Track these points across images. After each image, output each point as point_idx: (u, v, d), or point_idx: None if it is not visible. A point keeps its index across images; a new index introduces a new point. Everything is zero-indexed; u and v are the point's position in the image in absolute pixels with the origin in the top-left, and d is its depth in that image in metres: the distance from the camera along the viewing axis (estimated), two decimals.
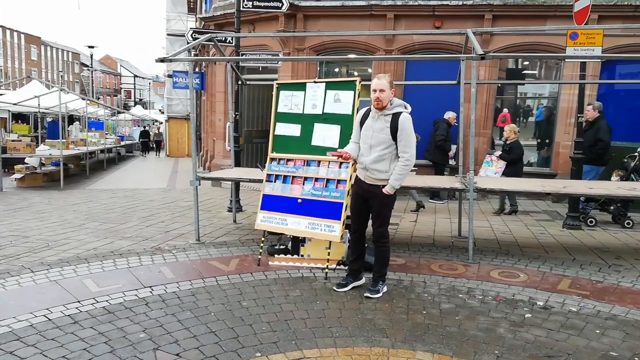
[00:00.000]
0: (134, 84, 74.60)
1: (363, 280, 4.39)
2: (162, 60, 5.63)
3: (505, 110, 10.76)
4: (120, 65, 78.12)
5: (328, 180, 5.00)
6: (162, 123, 33.94)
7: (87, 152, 14.75)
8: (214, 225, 6.99)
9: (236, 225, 7.05)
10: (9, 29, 49.55)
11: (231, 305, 3.89)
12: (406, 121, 4.03)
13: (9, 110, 18.68)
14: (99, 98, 50.69)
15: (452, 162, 9.63)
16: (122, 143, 22.95)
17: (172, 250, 5.50)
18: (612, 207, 7.58)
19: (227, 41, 8.69)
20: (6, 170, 11.98)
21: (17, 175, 11.61)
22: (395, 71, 10.49)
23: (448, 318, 3.73)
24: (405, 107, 4.15)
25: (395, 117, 4.03)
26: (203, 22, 13.78)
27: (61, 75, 60.37)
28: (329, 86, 5.31)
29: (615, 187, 6.14)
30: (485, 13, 9.99)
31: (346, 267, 4.86)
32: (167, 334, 3.35)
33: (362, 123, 4.23)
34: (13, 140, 13.25)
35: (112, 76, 74.29)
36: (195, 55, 16.36)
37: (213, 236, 6.30)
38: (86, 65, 59.72)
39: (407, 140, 4.02)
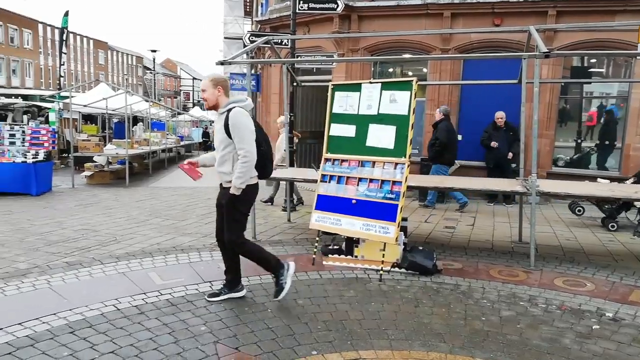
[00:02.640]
0: (193, 86, 77.34)
1: (242, 293, 4.02)
2: (221, 63, 5.81)
3: (594, 109, 10.29)
4: (180, 68, 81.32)
5: (383, 181, 4.98)
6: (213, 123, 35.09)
7: (150, 152, 15.45)
8: (269, 224, 7.13)
9: (290, 225, 7.16)
10: (79, 35, 52.76)
11: (287, 303, 3.96)
12: (236, 115, 3.66)
13: (79, 112, 19.89)
14: (160, 100, 52.98)
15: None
16: (182, 143, 23.86)
17: None
18: None
19: (283, 43, 8.85)
20: (77, 168, 12.77)
21: (87, 173, 12.37)
22: (452, 70, 10.26)
23: (509, 326, 3.61)
24: (240, 102, 3.79)
25: (228, 113, 3.71)
26: (259, 25, 14.09)
27: (126, 78, 63.63)
28: (385, 86, 5.28)
29: None
30: (549, 9, 9.57)
31: (401, 270, 4.82)
32: (226, 328, 3.46)
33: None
34: (83, 140, 14.15)
35: (172, 78, 77.47)
36: (252, 57, 16.76)
37: (268, 234, 6.43)
38: (149, 69, 62.63)
39: (240, 135, 3.64)
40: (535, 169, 5.24)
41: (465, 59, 10.58)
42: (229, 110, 3.70)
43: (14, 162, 9.60)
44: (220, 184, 3.95)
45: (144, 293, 4.08)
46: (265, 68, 14.76)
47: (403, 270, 4.83)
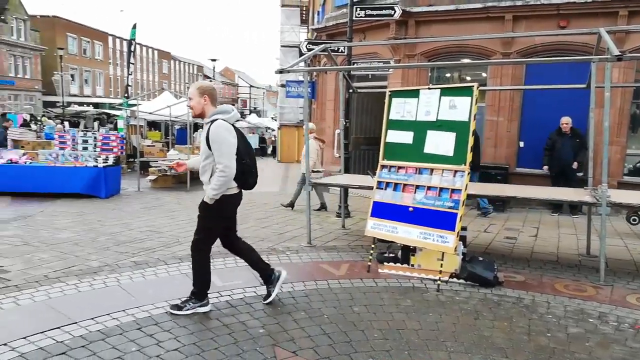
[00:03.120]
0: (250, 93, 79.42)
1: (207, 308, 3.85)
2: (280, 71, 5.95)
3: None
4: (238, 76, 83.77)
5: (441, 189, 4.89)
6: (273, 130, 35.90)
7: None
8: (323, 230, 7.17)
9: (345, 231, 7.17)
10: (144, 45, 55.66)
11: (343, 310, 3.97)
12: (215, 129, 3.58)
13: (145, 119, 20.95)
14: None
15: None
16: None
17: (285, 251, 5.76)
18: None
19: (340, 50, 8.91)
20: (142, 172, 13.43)
21: (151, 177, 12.97)
22: (514, 75, 9.91)
23: (576, 343, 3.43)
24: (224, 113, 3.68)
25: (211, 125, 3.63)
26: (315, 33, 14.27)
27: (187, 87, 66.32)
28: (444, 92, 5.19)
29: None
30: (620, 9, 9.03)
31: (459, 281, 4.70)
32: (283, 332, 3.52)
33: None
34: (148, 146, 14.88)
35: (230, 86, 79.94)
36: (307, 65, 16.99)
37: (323, 240, 6.47)
38: (208, 77, 64.96)
39: (219, 150, 3.56)
40: (606, 178, 4.96)
41: (528, 63, 10.18)
42: (212, 122, 3.64)
43: (86, 166, 10.24)
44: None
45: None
46: (320, 75, 14.91)
47: (462, 281, 4.71)
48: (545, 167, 9.04)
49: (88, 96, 43.06)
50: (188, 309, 3.78)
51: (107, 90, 47.23)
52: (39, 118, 27.32)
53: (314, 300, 4.16)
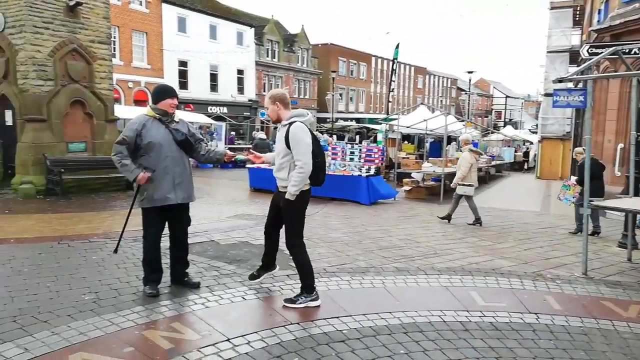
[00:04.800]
0: (505, 104, 75.24)
1: (276, 268, 4.60)
2: (559, 80, 5.42)
3: None
4: (493, 87, 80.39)
5: None
6: (532, 143, 32.99)
7: None
8: (602, 261, 6.19)
9: (632, 265, 6.03)
10: (402, 63, 58.82)
11: (635, 358, 3.32)
12: (296, 130, 4.00)
13: (400, 132, 22.09)
14: (470, 119, 53.61)
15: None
16: (493, 163, 23.44)
17: (555, 279, 5.19)
18: None
19: (633, 52, 7.57)
20: (397, 182, 14.17)
21: (406, 188, 13.56)
22: None
23: None
24: (300, 116, 4.11)
25: (289, 126, 4.02)
26: (595, 35, 12.50)
27: (440, 100, 67.18)
28: None
29: None
30: None
31: None
32: None
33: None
34: (403, 158, 15.61)
35: (483, 98, 77.36)
36: (581, 73, 15.04)
37: (602, 273, 5.58)
38: (462, 90, 64.33)
39: (298, 148, 3.98)
40: None
41: None
42: (290, 124, 4.05)
43: (351, 175, 11.39)
44: (277, 187, 4.27)
45: (467, 311, 4.14)
46: (598, 82, 12.98)
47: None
48: None
49: (351, 112, 47.99)
50: (300, 303, 4.07)
51: (367, 106, 51.70)
52: (313, 132, 31.87)
53: (595, 341, 3.61)
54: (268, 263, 4.60)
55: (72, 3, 10.52)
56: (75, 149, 10.98)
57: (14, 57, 10.28)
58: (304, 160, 3.99)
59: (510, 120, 72.10)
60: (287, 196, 4.04)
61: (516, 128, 53.67)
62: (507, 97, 77.37)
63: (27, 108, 10.26)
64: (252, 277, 4.63)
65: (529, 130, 52.26)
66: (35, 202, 9.40)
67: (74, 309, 3.86)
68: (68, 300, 4.07)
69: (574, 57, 21.46)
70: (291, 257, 4.34)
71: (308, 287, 4.15)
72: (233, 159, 4.78)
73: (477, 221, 8.69)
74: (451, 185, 9.29)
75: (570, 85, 17.10)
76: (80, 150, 11.09)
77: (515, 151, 31.80)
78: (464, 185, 8.81)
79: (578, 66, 22.76)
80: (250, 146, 20.07)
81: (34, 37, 10.10)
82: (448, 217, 8.89)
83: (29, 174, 10.20)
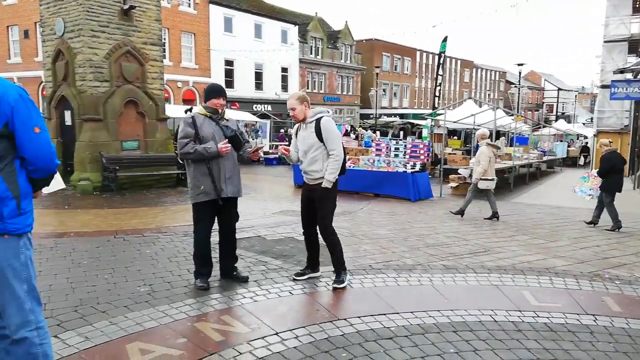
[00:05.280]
0: (557, 97, 72.10)
1: (319, 273, 4.77)
2: (620, 71, 5.13)
3: None
4: (544, 80, 77.19)
5: None
6: (586, 138, 31.43)
7: (513, 166, 15.27)
8: None
9: None
10: (449, 57, 57.49)
11: None
12: (327, 123, 4.39)
13: (447, 127, 21.61)
14: (520, 113, 51.76)
15: None
16: (544, 158, 22.53)
17: (614, 280, 4.93)
18: None
19: None
20: (444, 179, 13.89)
21: (452, 184, 13.27)
22: None
23: None
24: (325, 112, 4.51)
25: (318, 122, 4.39)
26: None
27: (488, 94, 65.21)
28: None
29: None
30: None
31: None
32: None
33: (297, 135, 4.63)
34: (449, 154, 15.27)
35: (534, 91, 74.42)
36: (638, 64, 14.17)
37: None
38: (512, 83, 62.17)
39: (331, 139, 4.37)
40: None
41: None
42: (318, 120, 4.40)
43: (396, 171, 11.26)
44: (306, 183, 4.57)
45: (519, 311, 4.01)
46: None
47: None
48: None
49: (395, 108, 47.40)
50: (344, 281, 4.50)
51: (412, 101, 50.93)
52: (356, 128, 31.66)
53: None
54: (313, 263, 4.79)
55: (126, 7, 10.97)
56: (128, 147, 11.45)
57: (73, 60, 10.83)
58: (338, 150, 4.39)
59: (563, 113, 69.05)
60: (324, 184, 4.39)
61: (569, 122, 51.37)
62: (559, 89, 74.13)
63: (85, 108, 10.79)
64: (298, 274, 4.75)
65: (583, 124, 49.88)
66: (93, 198, 9.88)
67: (130, 300, 4.03)
68: (124, 291, 4.26)
69: (633, 46, 20.29)
70: (325, 244, 4.60)
71: (344, 267, 4.61)
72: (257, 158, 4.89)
73: (494, 215, 8.57)
74: (472, 180, 9.11)
75: (629, 76, 16.17)
76: (133, 149, 11.55)
77: (569, 146, 30.44)
78: (486, 179, 8.64)
79: (638, 56, 21.52)
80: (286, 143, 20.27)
81: (91, 40, 10.60)
82: (461, 212, 8.79)
83: (86, 171, 10.74)
